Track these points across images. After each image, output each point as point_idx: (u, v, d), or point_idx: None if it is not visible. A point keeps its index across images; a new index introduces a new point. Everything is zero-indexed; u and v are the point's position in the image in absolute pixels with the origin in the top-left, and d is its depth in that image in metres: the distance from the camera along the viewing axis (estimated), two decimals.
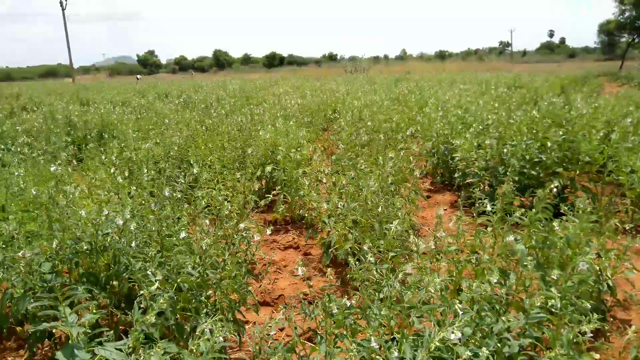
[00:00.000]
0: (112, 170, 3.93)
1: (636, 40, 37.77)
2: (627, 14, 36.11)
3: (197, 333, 2.25)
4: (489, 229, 3.30)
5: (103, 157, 5.85)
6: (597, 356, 2.36)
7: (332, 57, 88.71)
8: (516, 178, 5.06)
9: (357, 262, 2.89)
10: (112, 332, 2.38)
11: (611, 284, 3.09)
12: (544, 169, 5.21)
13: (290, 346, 2.44)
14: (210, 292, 3.13)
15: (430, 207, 6.09)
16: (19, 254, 2.89)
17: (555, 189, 3.28)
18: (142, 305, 2.54)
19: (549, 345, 2.28)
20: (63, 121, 9.72)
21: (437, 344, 1.72)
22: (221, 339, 2.06)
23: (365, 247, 3.14)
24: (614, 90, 13.53)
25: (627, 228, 4.05)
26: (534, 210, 3.19)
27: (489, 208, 3.15)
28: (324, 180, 5.44)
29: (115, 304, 3.23)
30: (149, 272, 2.82)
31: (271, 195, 5.06)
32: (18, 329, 3.69)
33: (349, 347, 2.21)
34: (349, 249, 4.17)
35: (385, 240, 3.56)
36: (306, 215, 5.54)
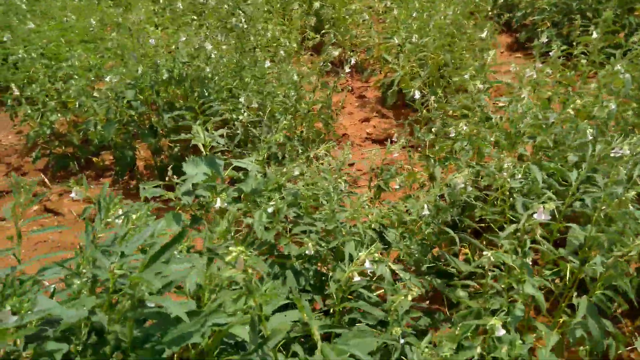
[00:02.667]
0: None
1: None
2: None
3: (312, 155, 2.25)
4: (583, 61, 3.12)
5: None
6: None
7: None
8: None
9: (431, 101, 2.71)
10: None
11: None
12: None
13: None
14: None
15: None
16: (107, 78, 2.78)
17: None
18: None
19: None
20: None
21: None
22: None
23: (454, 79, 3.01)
24: None
25: None
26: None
27: (595, 35, 2.92)
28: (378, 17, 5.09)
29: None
30: (242, 100, 2.75)
31: (319, 36, 4.79)
32: (95, 159, 3.75)
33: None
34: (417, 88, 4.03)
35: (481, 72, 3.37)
36: (357, 58, 5.30)
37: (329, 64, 5.82)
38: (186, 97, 3.20)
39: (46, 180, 3.51)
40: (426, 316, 1.94)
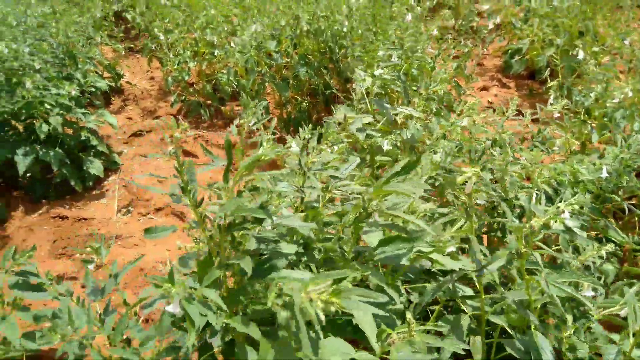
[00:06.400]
0: None
1: None
2: None
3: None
4: None
5: None
6: None
7: None
8: None
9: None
10: None
11: None
12: None
13: None
14: None
15: None
16: (252, 27, 2.89)
17: None
18: None
19: None
20: None
21: None
22: None
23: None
24: None
25: None
26: None
27: None
28: None
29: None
30: (380, 53, 2.74)
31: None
32: (223, 108, 3.93)
33: None
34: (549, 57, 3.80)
35: None
36: (474, 23, 5.11)
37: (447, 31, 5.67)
38: (319, 52, 3.25)
39: (183, 123, 3.74)
40: None
